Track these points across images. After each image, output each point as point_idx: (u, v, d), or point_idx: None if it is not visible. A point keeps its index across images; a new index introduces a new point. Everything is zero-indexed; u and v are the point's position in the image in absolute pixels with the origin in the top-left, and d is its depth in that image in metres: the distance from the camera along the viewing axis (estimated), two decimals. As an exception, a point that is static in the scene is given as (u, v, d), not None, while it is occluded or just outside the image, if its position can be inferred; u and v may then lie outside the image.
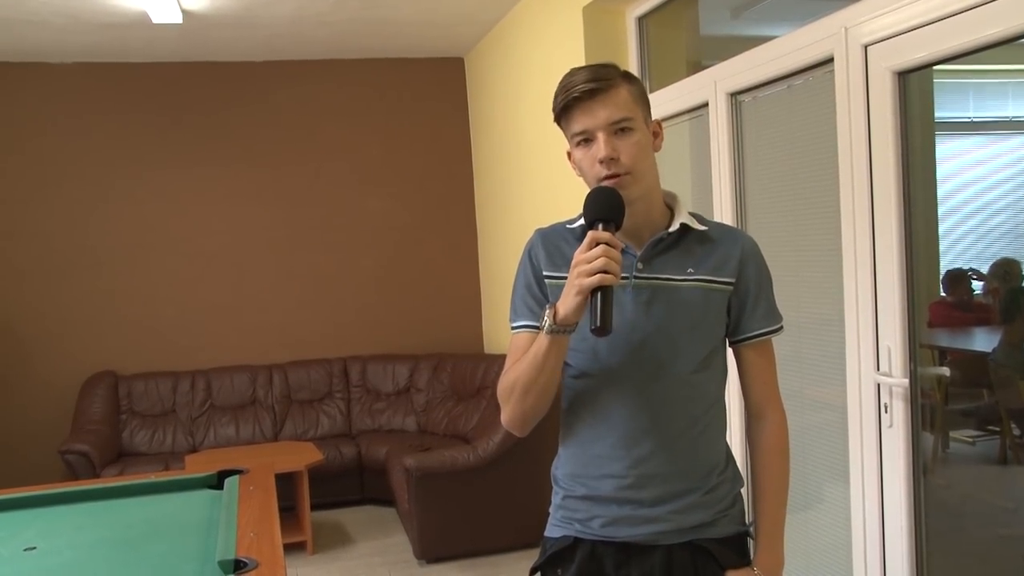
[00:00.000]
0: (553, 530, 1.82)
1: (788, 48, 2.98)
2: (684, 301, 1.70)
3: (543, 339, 1.61)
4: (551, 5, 4.64)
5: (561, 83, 1.66)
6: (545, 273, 1.75)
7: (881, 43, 2.54)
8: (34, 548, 2.41)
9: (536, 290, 1.75)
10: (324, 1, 4.96)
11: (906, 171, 2.53)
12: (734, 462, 1.84)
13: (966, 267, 2.77)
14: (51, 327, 6.04)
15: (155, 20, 4.94)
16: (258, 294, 6.37)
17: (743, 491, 1.85)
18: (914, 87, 2.54)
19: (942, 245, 2.72)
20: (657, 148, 1.73)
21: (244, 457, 4.73)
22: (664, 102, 3.74)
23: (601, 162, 1.62)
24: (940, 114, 2.71)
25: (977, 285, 2.75)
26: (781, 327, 1.82)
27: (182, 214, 6.24)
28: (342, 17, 5.30)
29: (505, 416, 1.74)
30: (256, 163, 6.33)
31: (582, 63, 4.16)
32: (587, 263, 1.53)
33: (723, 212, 3.42)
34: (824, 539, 3.02)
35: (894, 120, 2.51)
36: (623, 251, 1.65)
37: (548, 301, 1.72)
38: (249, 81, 6.29)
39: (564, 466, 1.80)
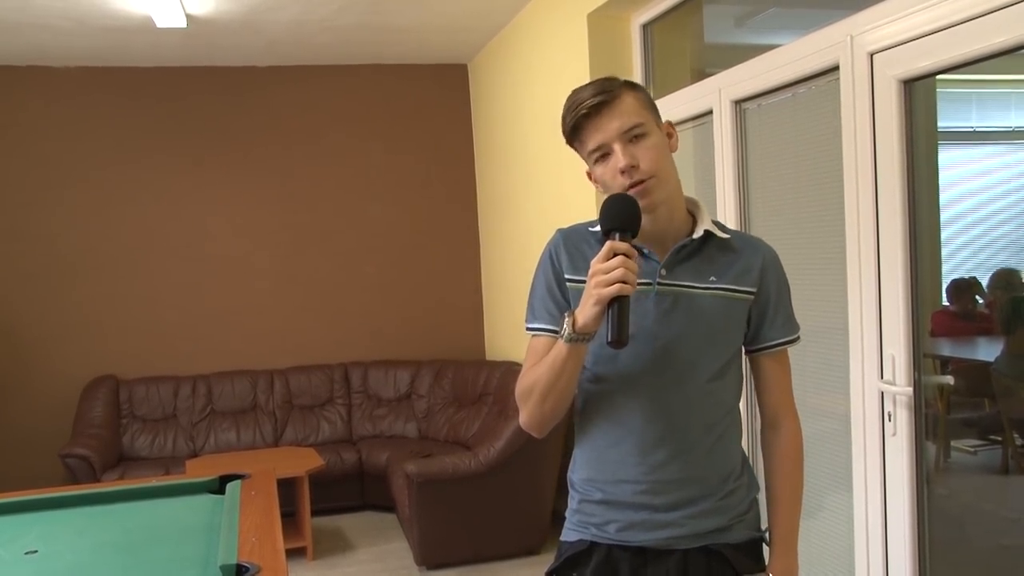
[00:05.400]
0: (569, 534, 1.82)
1: (793, 56, 2.98)
2: (705, 309, 1.70)
3: (562, 346, 1.61)
4: (555, 12, 4.64)
5: (566, 105, 1.67)
6: (567, 276, 1.74)
7: (887, 51, 2.54)
8: (35, 552, 2.41)
9: (556, 293, 1.75)
10: (327, 7, 4.97)
11: (911, 180, 2.53)
12: (750, 468, 1.84)
13: (968, 277, 2.76)
14: (52, 331, 6.03)
15: (159, 24, 4.95)
16: (260, 299, 6.36)
17: (758, 497, 1.85)
18: (918, 96, 2.54)
19: (943, 254, 2.71)
20: (673, 149, 1.72)
21: (245, 462, 4.72)
22: (668, 109, 3.73)
23: (623, 172, 1.62)
24: (943, 124, 2.71)
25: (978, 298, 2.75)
26: (799, 337, 1.82)
27: (184, 218, 6.24)
28: (345, 23, 5.31)
29: (524, 418, 1.75)
30: (258, 168, 6.34)
31: (586, 70, 4.23)
32: (604, 273, 1.53)
33: (727, 220, 3.41)
34: (827, 547, 3.01)
35: (899, 128, 2.51)
36: (646, 256, 1.67)
37: (569, 304, 1.71)
38: (252, 86, 6.30)
39: (580, 470, 1.80)
